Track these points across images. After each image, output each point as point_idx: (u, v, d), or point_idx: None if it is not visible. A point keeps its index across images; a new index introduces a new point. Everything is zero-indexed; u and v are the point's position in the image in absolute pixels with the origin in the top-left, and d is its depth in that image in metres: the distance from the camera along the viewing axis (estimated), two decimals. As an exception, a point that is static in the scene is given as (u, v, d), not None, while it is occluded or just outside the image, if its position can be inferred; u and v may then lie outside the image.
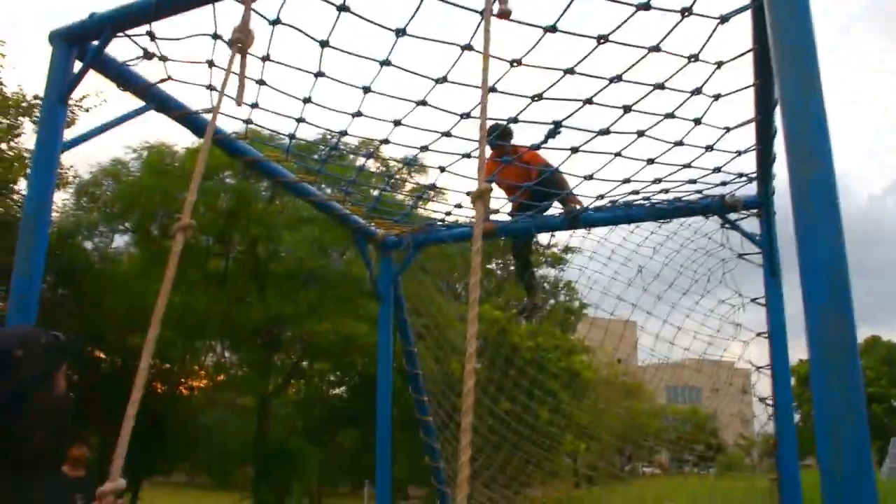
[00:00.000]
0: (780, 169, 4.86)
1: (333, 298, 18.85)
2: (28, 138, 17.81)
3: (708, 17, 3.10)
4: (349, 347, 19.39)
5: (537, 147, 4.82)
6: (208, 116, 4.11)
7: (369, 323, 17.64)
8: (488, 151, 5.82)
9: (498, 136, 5.26)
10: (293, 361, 24.37)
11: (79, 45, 3.64)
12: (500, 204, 5.88)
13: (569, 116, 3.96)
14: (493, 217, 5.96)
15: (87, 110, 17.70)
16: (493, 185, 5.73)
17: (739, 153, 4.49)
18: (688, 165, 4.62)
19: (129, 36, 3.56)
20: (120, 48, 3.65)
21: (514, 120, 3.97)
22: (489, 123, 4.52)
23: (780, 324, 5.44)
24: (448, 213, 5.90)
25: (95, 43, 3.59)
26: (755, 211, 5.58)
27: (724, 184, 5.21)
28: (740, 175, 5.04)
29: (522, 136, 6.14)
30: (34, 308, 3.33)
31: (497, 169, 5.76)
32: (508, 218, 6.20)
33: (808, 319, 1.94)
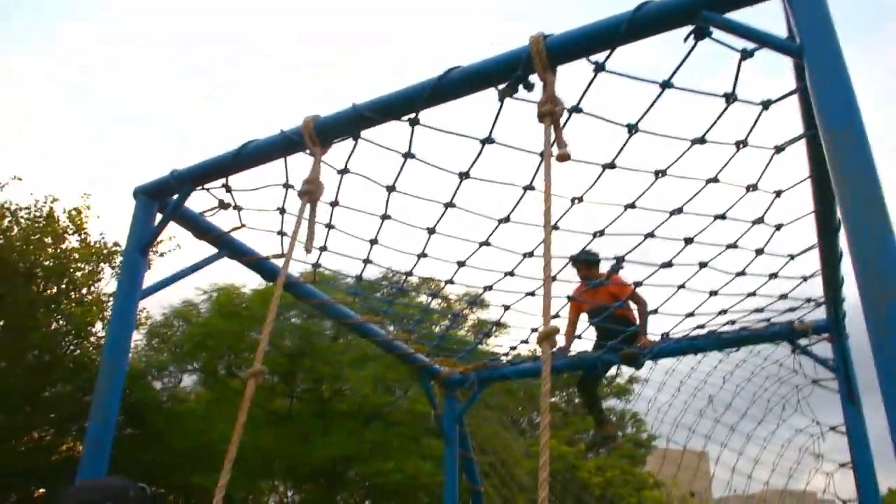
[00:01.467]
0: (850, 291, 4.76)
1: (398, 437, 18.57)
2: (106, 283, 18.64)
3: (763, 147, 3.15)
4: (414, 487, 18.89)
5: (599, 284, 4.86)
6: (277, 262, 4.26)
7: (434, 462, 17.23)
8: (577, 278, 5.88)
9: (585, 263, 5.35)
10: (356, 502, 23.78)
11: (160, 199, 3.87)
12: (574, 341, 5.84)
13: (631, 251, 4.00)
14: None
15: (161, 255, 18.53)
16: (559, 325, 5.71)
17: (805, 279, 4.43)
18: (752, 294, 4.57)
19: (206, 189, 3.77)
20: (195, 199, 3.87)
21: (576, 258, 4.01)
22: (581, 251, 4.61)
23: (864, 452, 5.16)
24: (513, 348, 5.88)
25: (174, 196, 3.81)
26: (826, 336, 5.42)
27: (791, 310, 5.11)
28: (808, 300, 4.95)
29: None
30: (107, 453, 3.40)
31: (585, 290, 5.77)
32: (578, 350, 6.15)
33: (896, 450, 1.85)
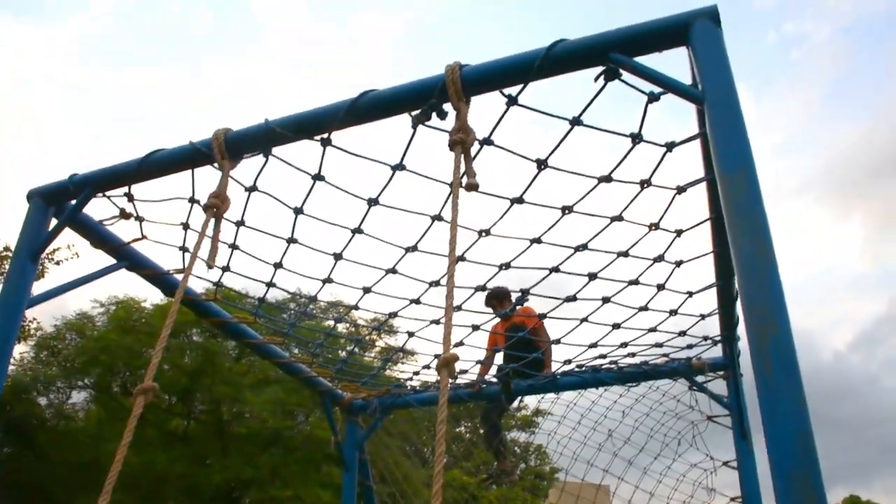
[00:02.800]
0: (744, 331, 4.96)
1: (297, 463, 18.21)
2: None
3: (665, 188, 3.26)
4: (312, 515, 18.51)
5: (506, 314, 4.93)
6: (180, 277, 4.13)
7: (333, 490, 16.97)
8: (491, 315, 6.02)
9: (497, 298, 5.41)
10: (252, 529, 23.10)
11: (56, 204, 3.69)
12: (471, 366, 5.88)
13: (536, 284, 4.05)
14: (460, 381, 5.95)
15: (57, 263, 17.70)
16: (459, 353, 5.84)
17: (703, 317, 4.59)
18: (653, 329, 4.71)
19: (107, 196, 3.63)
20: (95, 206, 3.71)
21: (483, 288, 4.04)
22: (493, 287, 4.66)
23: (753, 488, 5.36)
24: (416, 373, 5.86)
25: (72, 202, 3.65)
26: (722, 373, 5.63)
27: (690, 347, 5.29)
28: (705, 338, 5.12)
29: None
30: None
31: (499, 324, 5.89)
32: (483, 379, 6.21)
33: (776, 487, 1.92)
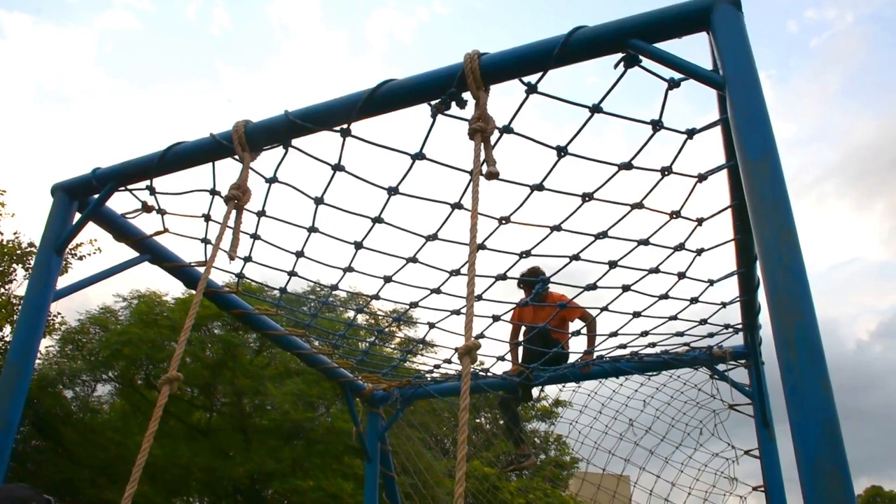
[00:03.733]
0: (766, 319, 4.93)
1: (319, 454, 18.29)
2: (18, 285, 17.86)
3: (687, 175, 3.24)
4: (334, 506, 18.64)
5: (532, 300, 4.92)
6: (201, 269, 4.17)
7: (355, 481, 17.04)
8: (521, 294, 5.99)
9: (530, 277, 5.42)
10: (275, 521, 23.31)
11: (79, 198, 3.74)
12: (491, 362, 5.91)
13: (556, 272, 4.05)
14: (479, 371, 5.97)
15: (80, 258, 17.87)
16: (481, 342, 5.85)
17: (724, 305, 4.56)
18: (674, 318, 4.68)
19: (129, 190, 3.67)
20: (118, 200, 3.75)
21: (503, 277, 4.03)
22: (524, 267, 4.61)
23: (776, 476, 5.33)
24: (437, 366, 5.88)
25: (95, 196, 3.69)
26: (743, 361, 5.60)
27: (711, 335, 5.26)
28: (727, 326, 5.10)
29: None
30: (5, 461, 3.23)
31: (525, 309, 5.87)
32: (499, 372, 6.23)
33: (801, 473, 1.91)
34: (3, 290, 17.64)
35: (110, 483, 17.61)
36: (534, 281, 5.59)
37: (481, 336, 4.75)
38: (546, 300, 5.87)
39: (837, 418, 1.92)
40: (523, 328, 6.32)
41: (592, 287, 4.04)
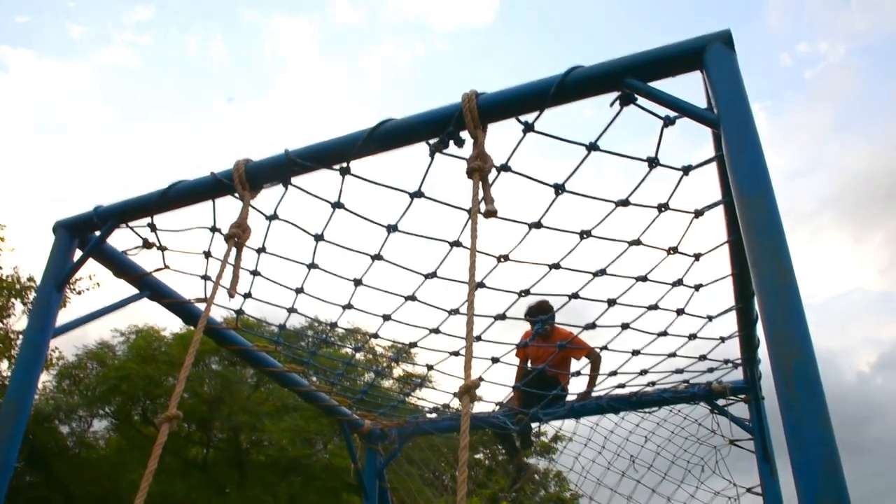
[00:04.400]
0: (765, 353, 4.92)
1: (316, 491, 18.14)
2: (17, 320, 17.83)
3: (684, 211, 3.27)
4: (331, 544, 18.41)
5: (532, 340, 4.93)
6: (201, 306, 4.17)
7: (352, 518, 16.88)
8: (527, 327, 5.93)
9: (538, 312, 5.39)
10: (271, 559, 23.00)
11: (80, 235, 3.76)
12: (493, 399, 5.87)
13: (557, 311, 4.05)
14: (476, 410, 5.91)
15: (79, 293, 17.87)
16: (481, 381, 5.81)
17: (723, 339, 4.56)
18: (673, 354, 4.68)
19: (130, 227, 3.68)
20: (118, 236, 3.76)
21: (502, 317, 4.04)
22: (533, 301, 4.58)
23: (778, 513, 5.28)
24: (436, 409, 5.85)
25: (96, 233, 3.71)
26: (743, 396, 5.58)
27: (710, 370, 5.25)
28: (726, 361, 5.09)
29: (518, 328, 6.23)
30: (2, 498, 3.21)
31: (530, 343, 5.82)
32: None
33: (803, 511, 1.90)
34: (1, 324, 17.60)
35: (105, 520, 17.46)
36: (535, 320, 5.56)
37: (480, 380, 4.72)
38: (553, 336, 5.85)
39: (838, 455, 1.92)
40: (529, 363, 6.30)
41: (592, 326, 4.05)
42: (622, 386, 5.25)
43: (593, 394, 5.65)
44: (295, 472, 18.80)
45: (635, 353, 4.49)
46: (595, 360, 5.73)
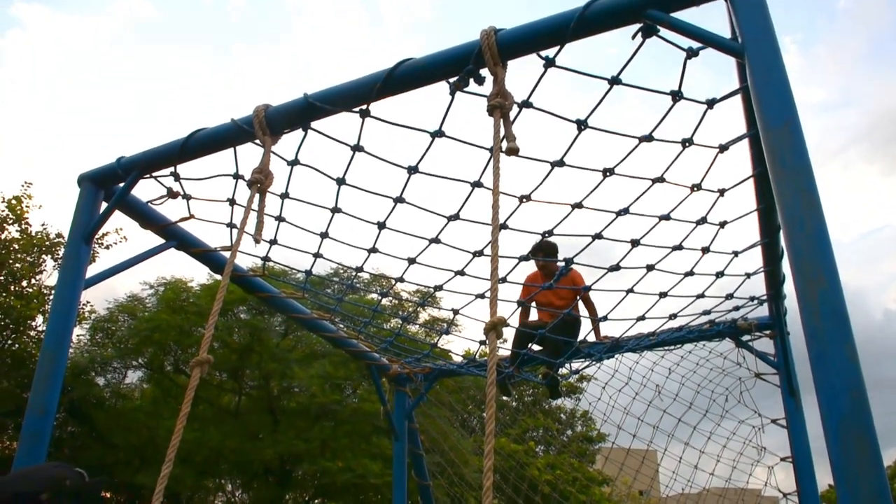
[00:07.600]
0: (790, 289, 4.89)
1: (347, 435, 18.49)
2: (48, 275, 18.16)
3: (708, 146, 3.22)
4: (363, 486, 18.84)
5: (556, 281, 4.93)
6: (227, 254, 4.22)
7: (383, 461, 17.20)
8: (534, 268, 5.86)
9: (543, 253, 5.33)
10: (305, 501, 23.62)
11: (105, 187, 3.79)
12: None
13: (579, 253, 4.03)
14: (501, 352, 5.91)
15: (107, 247, 18.14)
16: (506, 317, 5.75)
17: (748, 276, 4.53)
18: (701, 296, 4.65)
19: (154, 177, 3.71)
20: (143, 187, 3.80)
21: (526, 258, 4.03)
22: (539, 241, 4.58)
23: (803, 446, 5.30)
24: (465, 354, 5.90)
25: (121, 184, 3.74)
26: (768, 332, 5.57)
27: (736, 308, 5.24)
28: (752, 298, 5.07)
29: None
30: (45, 445, 3.32)
31: (539, 285, 5.71)
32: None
33: (828, 438, 1.91)
34: (34, 280, 17.94)
35: (143, 465, 17.97)
36: (545, 261, 5.46)
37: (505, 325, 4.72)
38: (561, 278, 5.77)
39: (864, 384, 1.92)
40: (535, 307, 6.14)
41: (616, 268, 4.01)
42: (653, 334, 5.25)
43: (616, 334, 5.62)
44: (326, 417, 19.13)
45: (662, 295, 4.47)
46: (591, 309, 5.68)
